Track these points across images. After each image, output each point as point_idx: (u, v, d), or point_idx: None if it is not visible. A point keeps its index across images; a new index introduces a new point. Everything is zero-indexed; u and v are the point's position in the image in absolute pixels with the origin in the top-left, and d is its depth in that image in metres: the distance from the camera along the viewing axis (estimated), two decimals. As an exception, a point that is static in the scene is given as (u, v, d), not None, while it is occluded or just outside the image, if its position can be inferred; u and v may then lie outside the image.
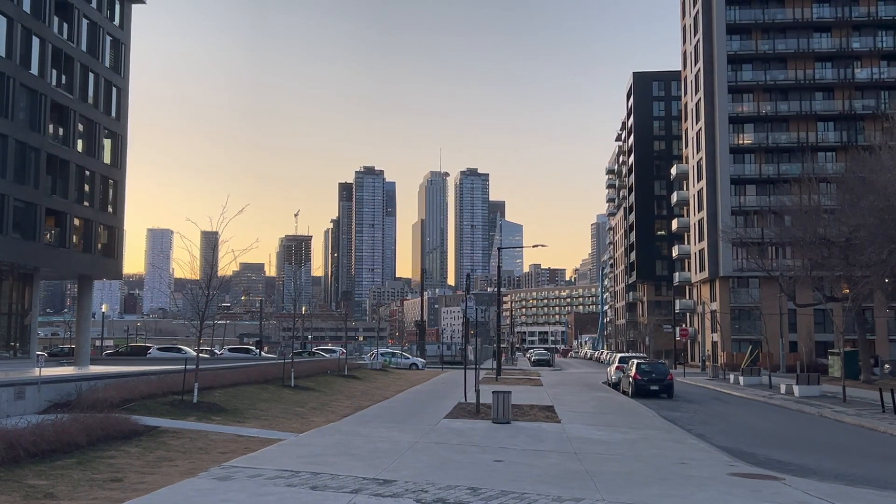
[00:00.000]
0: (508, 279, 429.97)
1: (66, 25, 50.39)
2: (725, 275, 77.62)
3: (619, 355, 51.77)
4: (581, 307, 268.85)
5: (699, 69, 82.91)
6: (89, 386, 20.81)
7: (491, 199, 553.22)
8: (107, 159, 55.03)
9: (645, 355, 64.23)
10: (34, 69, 46.64)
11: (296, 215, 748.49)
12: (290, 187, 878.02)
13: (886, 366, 55.60)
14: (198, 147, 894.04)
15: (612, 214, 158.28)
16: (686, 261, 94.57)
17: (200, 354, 25.63)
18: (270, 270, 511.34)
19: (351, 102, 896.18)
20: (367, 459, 14.44)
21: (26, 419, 14.72)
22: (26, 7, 46.02)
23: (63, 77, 49.86)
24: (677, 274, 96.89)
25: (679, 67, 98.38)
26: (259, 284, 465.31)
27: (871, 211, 42.28)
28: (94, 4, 53.19)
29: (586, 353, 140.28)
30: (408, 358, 69.04)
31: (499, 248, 59.39)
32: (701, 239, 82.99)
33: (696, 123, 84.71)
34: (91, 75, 52.88)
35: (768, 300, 64.82)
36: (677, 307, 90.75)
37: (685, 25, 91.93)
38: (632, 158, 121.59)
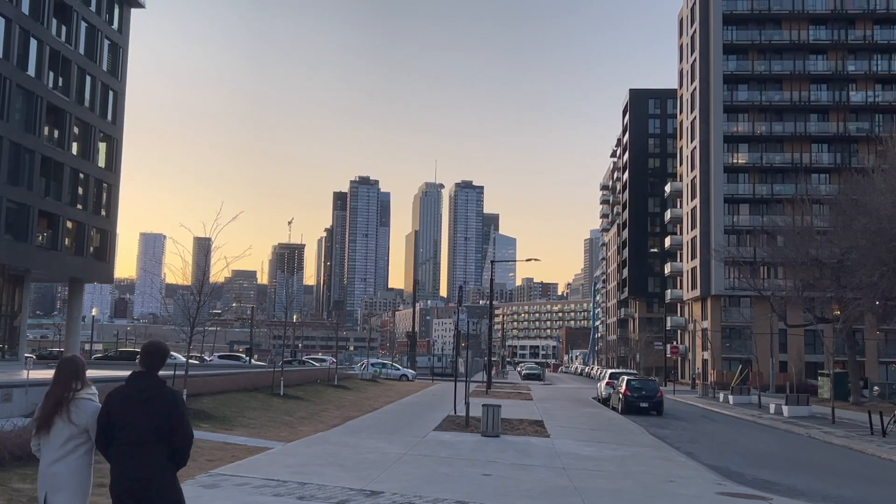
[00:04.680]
0: (501, 292, 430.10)
1: (64, 28, 50.40)
2: (717, 293, 77.77)
3: (610, 371, 51.74)
4: (573, 322, 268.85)
5: (695, 88, 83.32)
6: (77, 390, 20.65)
7: (485, 211, 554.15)
8: (101, 163, 54.96)
9: (635, 372, 64.23)
10: (31, 71, 46.61)
11: (289, 223, 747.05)
12: (285, 195, 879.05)
13: (876, 388, 55.63)
14: (193, 152, 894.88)
15: (605, 230, 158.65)
16: (678, 278, 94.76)
17: (190, 361, 25.53)
18: (263, 278, 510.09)
19: (348, 112, 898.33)
20: (354, 470, 14.37)
21: (13, 422, 14.61)
22: (25, 8, 46.03)
23: (60, 79, 49.84)
24: (669, 291, 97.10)
25: (675, 85, 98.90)
26: (251, 292, 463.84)
27: (864, 233, 42.39)
28: (93, 8, 53.22)
29: (577, 368, 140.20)
30: (398, 369, 68.81)
31: (492, 261, 59.44)
32: (693, 257, 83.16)
33: (691, 142, 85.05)
34: (88, 78, 52.87)
35: (759, 320, 64.94)
36: (668, 324, 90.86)
37: (682, 44, 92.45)
38: (626, 175, 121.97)
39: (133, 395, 5.65)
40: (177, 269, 25.95)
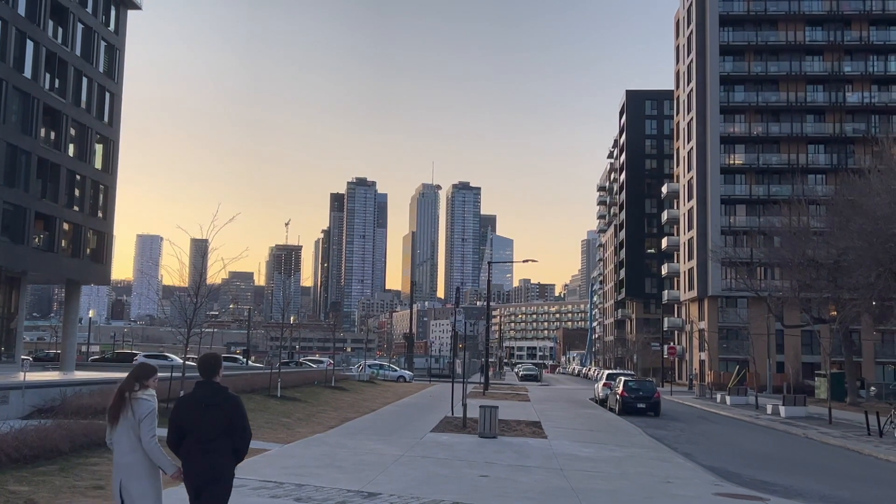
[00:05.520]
0: (498, 293, 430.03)
1: (60, 30, 50.29)
2: (714, 294, 77.83)
3: (607, 372, 51.73)
4: (570, 323, 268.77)
5: (692, 89, 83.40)
6: (74, 392, 20.66)
7: (482, 212, 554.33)
8: (98, 164, 54.84)
9: (633, 373, 64.25)
10: (27, 72, 46.50)
11: (286, 225, 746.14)
12: (282, 196, 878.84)
13: (872, 388, 55.76)
14: (189, 154, 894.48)
15: (602, 231, 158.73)
16: (675, 279, 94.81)
17: (187, 362, 25.49)
18: (260, 279, 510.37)
19: (345, 113, 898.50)
20: (352, 472, 14.37)
21: (9, 424, 14.59)
22: (21, 10, 45.94)
23: (56, 81, 49.72)
24: (666, 292, 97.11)
25: (672, 87, 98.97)
26: (248, 293, 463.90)
27: (860, 234, 42.47)
28: (89, 9, 53.13)
29: (574, 369, 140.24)
30: (395, 370, 68.85)
31: (489, 262, 59.40)
32: (690, 258, 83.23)
33: (688, 143, 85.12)
34: (85, 80, 52.76)
35: (756, 320, 65.01)
36: (665, 325, 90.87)
37: (679, 45, 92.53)
38: (623, 176, 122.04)
39: (201, 400, 6.75)
40: (174, 270, 25.86)
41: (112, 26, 56.65)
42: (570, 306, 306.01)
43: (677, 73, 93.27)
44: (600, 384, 46.45)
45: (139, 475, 6.59)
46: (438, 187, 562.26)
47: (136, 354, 66.28)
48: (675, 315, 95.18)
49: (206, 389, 6.85)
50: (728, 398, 47.44)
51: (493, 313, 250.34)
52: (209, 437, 6.64)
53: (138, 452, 6.59)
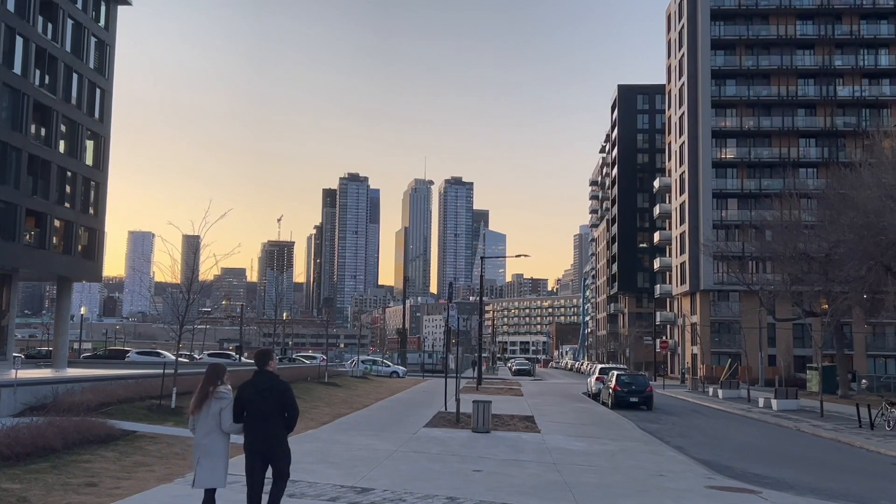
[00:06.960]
0: (491, 288, 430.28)
1: (50, 25, 50.05)
2: (706, 288, 78.02)
3: (600, 366, 51.82)
4: (563, 318, 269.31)
5: (683, 83, 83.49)
6: (66, 389, 20.57)
7: (475, 208, 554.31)
8: (89, 161, 54.65)
9: (625, 367, 64.40)
10: (17, 68, 46.28)
11: (279, 221, 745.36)
12: (274, 192, 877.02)
13: (864, 381, 55.97)
14: (182, 150, 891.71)
15: (594, 226, 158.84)
16: (667, 273, 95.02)
17: (179, 359, 25.44)
18: (252, 276, 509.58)
19: (338, 109, 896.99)
20: (345, 467, 14.37)
21: (1, 422, 14.52)
22: (10, 6, 45.70)
23: (46, 77, 49.50)
24: (658, 286, 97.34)
25: (664, 81, 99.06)
26: (240, 290, 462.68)
27: (851, 227, 42.59)
28: (79, 5, 52.88)
29: (567, 363, 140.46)
30: (389, 366, 68.81)
31: (482, 258, 59.38)
32: (682, 252, 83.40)
33: (680, 137, 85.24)
34: (75, 76, 52.53)
35: (748, 314, 65.18)
36: (658, 319, 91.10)
37: (670, 40, 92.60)
38: (615, 170, 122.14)
39: (258, 386, 8.55)
40: (166, 267, 25.75)
41: (102, 22, 56.40)
42: (562, 301, 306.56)
43: (668, 68, 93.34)
44: (593, 378, 46.52)
45: (213, 453, 8.51)
46: (431, 183, 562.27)
47: (128, 351, 66.13)
48: (668, 309, 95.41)
49: (261, 377, 8.59)
50: (720, 392, 47.60)
51: (486, 308, 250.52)
52: (265, 414, 8.40)
53: (213, 435, 8.50)
